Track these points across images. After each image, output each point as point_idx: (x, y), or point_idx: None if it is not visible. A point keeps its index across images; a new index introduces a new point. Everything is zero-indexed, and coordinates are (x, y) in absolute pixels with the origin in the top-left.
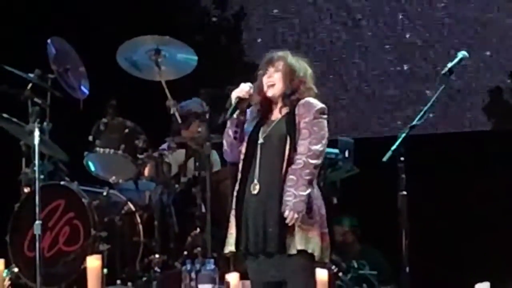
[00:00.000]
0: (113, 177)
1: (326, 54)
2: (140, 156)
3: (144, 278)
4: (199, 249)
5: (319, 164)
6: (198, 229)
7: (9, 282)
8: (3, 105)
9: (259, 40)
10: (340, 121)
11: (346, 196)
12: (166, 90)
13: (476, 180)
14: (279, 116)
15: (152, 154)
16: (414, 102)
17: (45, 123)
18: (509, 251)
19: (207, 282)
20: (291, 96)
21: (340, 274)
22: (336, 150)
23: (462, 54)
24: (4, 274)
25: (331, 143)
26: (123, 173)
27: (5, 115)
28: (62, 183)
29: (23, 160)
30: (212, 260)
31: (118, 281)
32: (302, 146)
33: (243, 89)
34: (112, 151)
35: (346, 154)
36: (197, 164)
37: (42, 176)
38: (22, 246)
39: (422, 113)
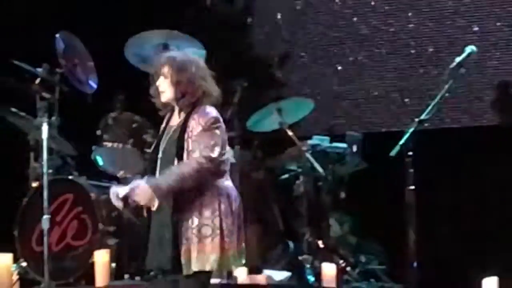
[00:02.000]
0: (121, 172)
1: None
2: (148, 151)
3: (152, 273)
4: None
5: (208, 167)
6: None
7: (17, 277)
8: (11, 100)
9: (265, 35)
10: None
11: (354, 190)
12: None
13: (485, 175)
14: (178, 121)
15: None
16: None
17: (53, 118)
18: None
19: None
20: (182, 99)
21: (348, 268)
22: (344, 145)
23: (470, 48)
24: (13, 269)
25: (339, 138)
26: (131, 167)
27: (13, 110)
28: (70, 177)
29: (31, 154)
30: None
31: (126, 276)
32: (193, 153)
33: (115, 203)
34: (120, 145)
35: (354, 148)
36: None
37: (50, 171)
38: (30, 240)
39: (430, 107)
